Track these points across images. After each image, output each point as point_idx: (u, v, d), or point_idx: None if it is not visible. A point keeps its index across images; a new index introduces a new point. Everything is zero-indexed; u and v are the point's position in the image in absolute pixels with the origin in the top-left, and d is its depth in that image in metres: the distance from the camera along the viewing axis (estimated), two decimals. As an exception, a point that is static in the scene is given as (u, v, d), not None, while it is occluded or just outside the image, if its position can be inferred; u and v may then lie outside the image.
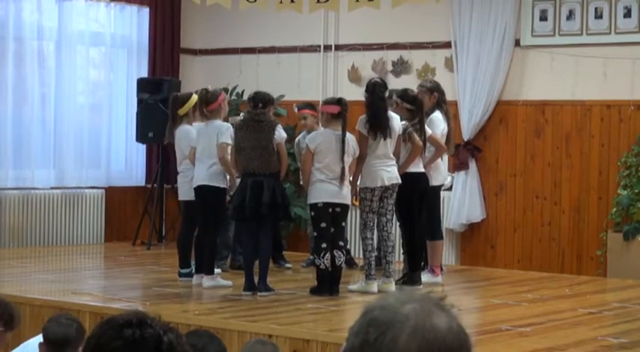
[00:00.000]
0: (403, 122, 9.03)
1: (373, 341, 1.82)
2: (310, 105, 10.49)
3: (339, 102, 8.78)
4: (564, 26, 11.15)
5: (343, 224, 8.81)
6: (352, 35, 12.49)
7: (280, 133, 8.74)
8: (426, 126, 9.17)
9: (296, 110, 10.53)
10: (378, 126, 8.72)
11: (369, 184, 8.79)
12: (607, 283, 10.33)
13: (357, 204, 9.21)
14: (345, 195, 8.68)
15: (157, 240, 12.58)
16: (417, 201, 9.16)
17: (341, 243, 8.72)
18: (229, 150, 8.87)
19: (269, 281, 8.74)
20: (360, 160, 8.79)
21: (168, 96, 12.03)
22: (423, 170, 9.17)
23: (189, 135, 9.28)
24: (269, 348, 5.08)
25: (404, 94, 9.23)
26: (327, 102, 9.00)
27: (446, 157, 9.82)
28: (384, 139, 8.72)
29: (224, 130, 8.90)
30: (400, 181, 8.84)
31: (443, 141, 9.48)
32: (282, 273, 10.15)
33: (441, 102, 9.60)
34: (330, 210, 8.64)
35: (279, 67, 12.92)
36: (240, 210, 8.64)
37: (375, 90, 8.83)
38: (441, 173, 9.57)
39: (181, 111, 9.45)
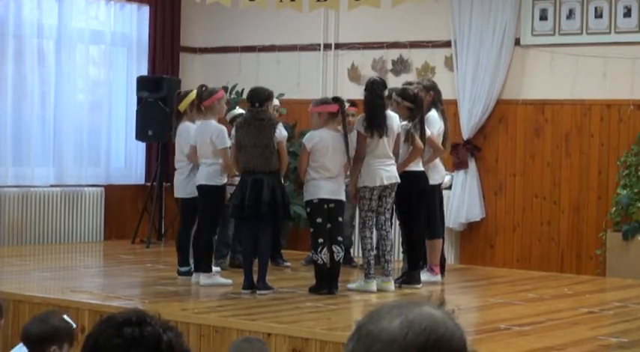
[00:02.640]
0: (404, 122, 9.03)
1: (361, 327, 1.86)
2: None
3: (338, 100, 8.82)
4: (564, 25, 11.15)
5: (340, 219, 8.82)
6: (352, 34, 12.49)
7: (281, 132, 8.76)
8: (425, 126, 9.18)
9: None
10: (376, 124, 8.73)
11: (369, 183, 8.79)
12: (606, 282, 10.33)
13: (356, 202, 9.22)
14: (339, 191, 8.71)
15: (157, 238, 12.58)
16: (416, 199, 9.16)
17: (339, 238, 8.73)
18: (229, 152, 8.91)
19: (268, 280, 8.75)
20: (359, 160, 8.79)
21: (168, 94, 12.08)
22: (422, 169, 9.18)
23: (189, 132, 9.30)
24: (257, 346, 5.07)
25: (404, 93, 9.22)
26: (323, 103, 8.96)
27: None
28: (381, 138, 8.73)
29: (219, 134, 8.92)
30: (399, 180, 8.85)
31: (440, 140, 9.49)
32: (281, 272, 10.15)
33: (436, 101, 9.59)
34: (325, 206, 8.68)
35: (279, 66, 12.92)
36: (239, 208, 8.64)
37: (374, 89, 8.84)
38: (439, 172, 9.57)
39: (181, 107, 9.52)
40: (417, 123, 9.07)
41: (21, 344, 5.07)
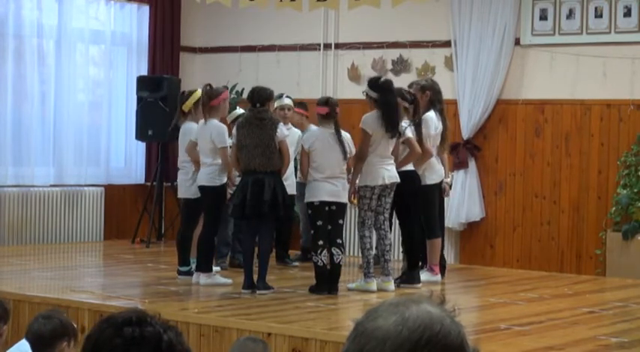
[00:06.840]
0: (402, 123, 9.02)
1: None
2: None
3: (327, 102, 8.83)
4: (564, 25, 11.15)
5: (340, 222, 8.82)
6: (352, 34, 12.48)
7: (282, 131, 8.75)
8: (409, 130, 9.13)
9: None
10: (392, 124, 8.71)
11: (370, 182, 8.78)
12: (606, 282, 10.33)
13: (355, 202, 9.21)
14: (340, 193, 8.70)
15: (156, 238, 12.58)
16: (411, 198, 9.13)
17: (339, 241, 8.73)
18: (229, 152, 8.91)
19: (268, 280, 8.75)
20: (361, 159, 8.78)
21: (168, 94, 12.09)
22: (413, 168, 9.18)
23: (192, 132, 9.30)
24: (261, 346, 5.07)
25: (401, 94, 9.19)
26: (317, 103, 8.99)
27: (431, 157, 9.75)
28: (393, 138, 8.74)
29: (219, 133, 8.92)
30: (399, 180, 8.84)
31: (437, 140, 9.48)
32: (282, 272, 10.14)
33: (435, 101, 9.56)
34: (327, 208, 8.67)
35: (279, 66, 12.92)
36: (240, 208, 8.64)
37: (393, 90, 8.84)
38: (435, 172, 9.53)
39: (185, 107, 9.51)
40: (416, 126, 9.09)
41: (20, 342, 5.07)
